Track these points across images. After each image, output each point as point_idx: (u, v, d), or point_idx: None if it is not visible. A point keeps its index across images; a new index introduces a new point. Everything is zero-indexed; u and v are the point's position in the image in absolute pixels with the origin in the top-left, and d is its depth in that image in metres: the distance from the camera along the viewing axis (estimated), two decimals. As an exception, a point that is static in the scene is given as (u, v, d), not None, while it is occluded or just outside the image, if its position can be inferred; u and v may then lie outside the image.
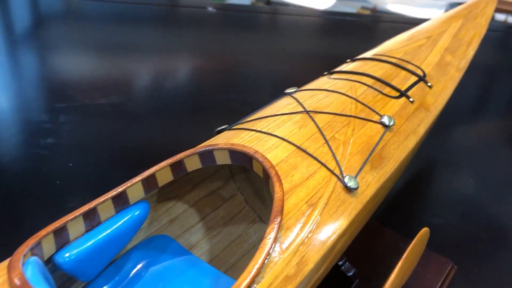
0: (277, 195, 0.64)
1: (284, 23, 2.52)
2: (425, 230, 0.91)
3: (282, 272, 0.59)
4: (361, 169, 0.74)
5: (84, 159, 1.29)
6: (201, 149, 0.73)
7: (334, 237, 0.66)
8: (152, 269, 0.73)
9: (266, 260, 0.58)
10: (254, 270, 0.56)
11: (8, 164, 1.28)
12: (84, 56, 1.98)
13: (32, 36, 2.17)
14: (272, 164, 0.68)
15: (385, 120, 0.83)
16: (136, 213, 0.70)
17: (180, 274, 0.72)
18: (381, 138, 0.80)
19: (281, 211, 0.63)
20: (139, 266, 0.73)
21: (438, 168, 1.41)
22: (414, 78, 0.98)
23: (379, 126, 0.83)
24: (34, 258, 0.56)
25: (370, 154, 0.77)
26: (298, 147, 0.73)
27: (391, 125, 0.83)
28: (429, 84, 0.98)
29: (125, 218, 0.68)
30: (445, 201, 1.27)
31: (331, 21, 2.57)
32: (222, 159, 0.73)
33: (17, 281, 0.50)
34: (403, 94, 0.92)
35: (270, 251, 0.59)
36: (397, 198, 1.25)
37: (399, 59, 1.04)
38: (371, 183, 0.74)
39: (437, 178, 1.36)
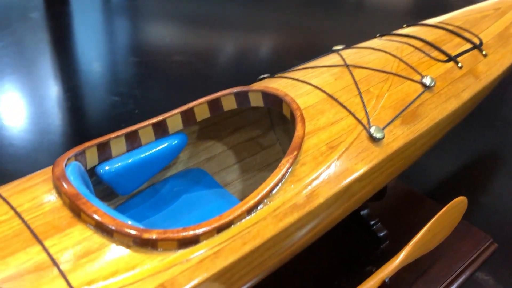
0: (298, 133, 0.68)
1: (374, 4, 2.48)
2: (461, 199, 0.90)
3: (291, 200, 0.63)
4: (390, 122, 0.75)
5: (148, 107, 1.40)
6: (237, 90, 0.78)
7: (350, 179, 0.68)
8: (186, 196, 0.80)
9: (277, 187, 0.63)
10: (263, 192, 0.61)
11: (85, 107, 1.42)
12: (170, 25, 2.10)
13: (127, 6, 2.33)
14: (298, 106, 0.72)
15: (426, 80, 0.83)
16: (173, 142, 0.77)
17: (210, 202, 0.79)
18: (418, 97, 0.80)
19: (299, 147, 0.66)
20: (174, 192, 0.81)
21: (497, 148, 1.36)
22: (468, 45, 0.95)
23: (419, 85, 0.83)
24: (76, 162, 0.65)
25: (403, 110, 0.78)
26: (329, 95, 0.76)
27: (431, 86, 0.82)
28: (484, 52, 0.95)
29: (163, 145, 0.76)
30: (499, 180, 1.22)
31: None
32: (256, 101, 0.78)
33: (57, 175, 0.59)
34: (451, 58, 0.90)
35: (282, 179, 0.63)
36: (445, 170, 1.22)
37: (457, 26, 1.02)
38: (399, 137, 0.75)
39: (495, 158, 1.31)
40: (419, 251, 0.87)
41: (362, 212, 0.97)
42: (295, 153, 0.65)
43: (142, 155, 0.74)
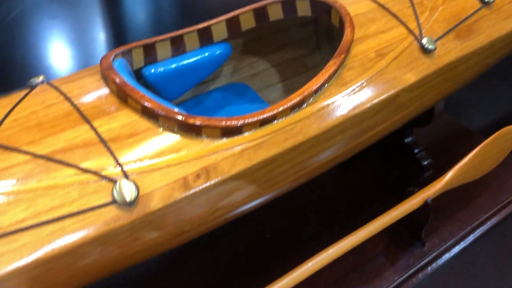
0: (346, 37, 0.66)
1: None
2: (509, 128, 0.86)
3: (336, 102, 0.62)
4: (444, 35, 0.72)
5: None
6: (285, -2, 0.76)
7: (398, 88, 0.66)
8: (229, 108, 0.80)
9: (322, 89, 0.62)
10: (308, 91, 0.60)
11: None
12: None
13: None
14: (348, 13, 0.69)
15: (485, -4, 0.78)
16: (218, 51, 0.76)
17: None
18: (475, 12, 0.76)
19: (347, 51, 0.64)
20: (217, 103, 0.81)
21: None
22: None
23: (476, 1, 0.78)
24: (123, 59, 0.66)
25: (458, 24, 0.74)
26: (380, 5, 0.73)
27: (490, 2, 0.78)
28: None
29: (208, 52, 0.75)
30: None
31: None
32: (303, 10, 0.76)
33: (105, 66, 0.60)
34: (515, -24, 0.84)
35: (329, 81, 0.62)
36: (497, 108, 1.17)
37: None
38: (452, 51, 0.72)
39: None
40: (464, 177, 0.85)
41: (406, 140, 0.95)
42: (342, 56, 0.64)
43: (187, 61, 0.74)
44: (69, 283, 0.50)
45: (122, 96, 0.56)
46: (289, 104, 0.58)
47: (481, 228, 0.87)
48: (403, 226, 0.83)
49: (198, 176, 0.52)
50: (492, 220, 0.88)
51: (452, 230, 0.85)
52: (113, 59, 0.63)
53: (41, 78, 0.62)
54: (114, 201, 0.49)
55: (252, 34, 0.83)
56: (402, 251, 0.81)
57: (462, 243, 0.84)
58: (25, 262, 0.44)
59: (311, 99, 0.61)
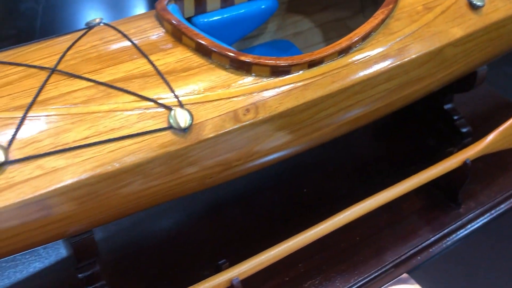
0: None
1: None
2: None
3: (382, 50, 0.63)
4: (492, -7, 0.72)
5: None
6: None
7: (445, 42, 0.67)
8: None
9: (370, 37, 0.63)
10: (356, 38, 0.61)
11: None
12: None
13: None
14: None
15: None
16: (264, 5, 0.78)
17: None
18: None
19: (395, 1, 0.65)
20: None
21: None
22: None
23: (528, -38, 0.77)
24: (176, 5, 0.68)
25: (508, -16, 0.74)
26: None
27: (542, -37, 0.77)
28: None
29: (255, 6, 0.77)
30: None
31: None
32: None
33: (159, 8, 0.62)
34: None
35: (376, 30, 0.63)
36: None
37: None
38: (501, 9, 0.72)
39: None
40: (504, 142, 0.84)
41: (446, 106, 0.95)
42: (390, 6, 0.65)
43: (235, 12, 0.76)
44: (123, 204, 0.53)
45: (177, 34, 0.59)
46: (337, 48, 0.60)
47: (519, 195, 0.87)
48: (440, 187, 0.84)
49: (247, 110, 0.55)
50: (531, 188, 0.88)
51: (490, 194, 0.86)
52: (166, 4, 0.65)
53: (98, 19, 0.65)
54: (170, 127, 0.51)
55: None
56: (438, 212, 0.82)
57: (498, 208, 0.84)
58: (88, 175, 0.48)
59: (358, 46, 0.62)
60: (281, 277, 0.72)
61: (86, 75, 0.54)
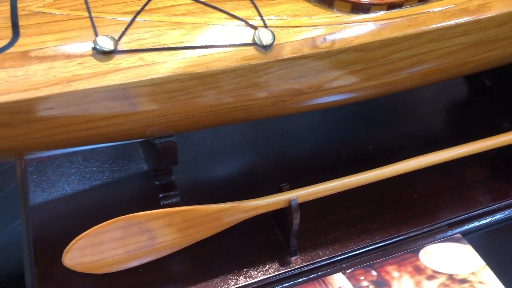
0: None
1: None
2: None
3: (463, 3, 0.65)
4: None
5: None
6: None
7: None
8: None
9: (451, -10, 0.65)
10: (437, -12, 0.64)
11: None
12: None
13: None
14: None
15: None
16: None
17: None
18: None
19: None
20: None
21: None
22: None
23: None
24: None
25: None
26: None
27: None
28: None
29: None
30: None
31: None
32: None
33: None
34: None
35: None
36: None
37: None
38: None
39: None
40: None
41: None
42: (475, -37, 0.67)
43: None
44: (205, 109, 0.60)
45: None
46: (418, -5, 0.63)
47: None
48: (506, 160, 0.84)
49: (324, 39, 0.60)
50: None
51: (559, 171, 0.84)
52: None
53: None
54: (254, 43, 0.58)
55: None
56: (501, 183, 0.82)
57: None
58: (180, 71, 0.55)
59: None
60: (336, 216, 0.77)
61: None
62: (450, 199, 0.80)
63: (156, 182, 0.74)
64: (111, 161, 0.83)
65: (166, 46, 0.56)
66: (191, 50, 0.56)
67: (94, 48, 0.54)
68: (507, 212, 0.79)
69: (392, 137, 0.91)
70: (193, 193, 0.79)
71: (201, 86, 0.57)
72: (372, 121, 0.93)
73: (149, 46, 0.55)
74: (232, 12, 0.59)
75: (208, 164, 0.83)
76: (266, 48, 0.58)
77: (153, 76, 0.54)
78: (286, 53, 0.59)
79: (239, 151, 0.86)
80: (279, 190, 0.68)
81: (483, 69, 0.78)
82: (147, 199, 0.76)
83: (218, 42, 0.57)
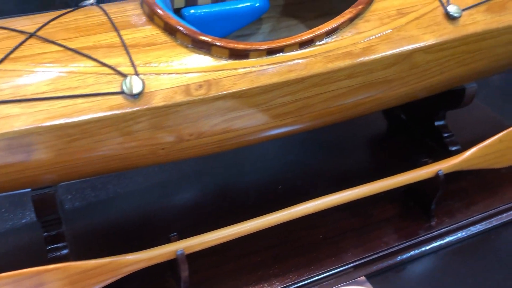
0: None
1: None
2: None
3: (346, 47, 0.65)
4: (473, 6, 0.73)
5: None
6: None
7: (413, 46, 0.68)
8: None
9: (335, 34, 0.65)
10: (318, 32, 0.64)
11: None
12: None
13: None
14: None
15: (528, -23, 0.77)
16: (255, 4, 0.82)
17: None
18: (513, -8, 0.76)
19: (367, 3, 0.67)
20: None
21: None
22: None
23: (518, -19, 0.78)
24: None
25: (492, -1, 0.74)
26: None
27: (533, -17, 0.77)
28: None
29: (247, 3, 0.81)
30: None
31: None
32: None
33: None
34: None
35: (342, 28, 0.65)
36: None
37: None
38: (479, 22, 0.72)
39: None
40: (485, 160, 0.83)
41: (437, 123, 0.95)
42: (360, 7, 0.67)
43: (226, 7, 0.80)
44: (72, 161, 0.57)
45: (150, 14, 0.63)
46: (298, 40, 0.63)
47: (498, 217, 0.85)
48: (414, 198, 0.84)
49: (200, 86, 0.58)
50: (511, 212, 0.86)
51: (466, 213, 0.84)
52: None
53: (91, 0, 0.71)
54: (122, 92, 0.56)
55: None
56: (408, 222, 0.82)
57: (472, 228, 0.82)
58: (37, 125, 0.52)
59: (323, 41, 0.64)
60: (236, 263, 0.74)
61: (59, 41, 0.59)
62: (356, 239, 0.79)
63: (44, 234, 0.70)
64: (3, 209, 0.79)
65: (24, 98, 0.53)
66: (52, 101, 0.54)
67: None
68: (412, 253, 0.78)
69: (302, 176, 0.90)
70: (87, 242, 0.75)
71: (65, 138, 0.55)
72: (283, 160, 0.92)
73: (5, 98, 0.53)
74: (102, 60, 0.57)
75: (107, 210, 0.80)
76: (134, 96, 0.56)
77: (7, 130, 0.51)
78: (158, 101, 0.57)
79: (142, 196, 0.83)
80: (168, 241, 0.65)
81: (382, 109, 0.78)
82: (36, 251, 0.72)
83: (84, 91, 0.55)
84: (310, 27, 0.93)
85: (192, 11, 0.78)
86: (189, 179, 0.86)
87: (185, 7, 0.78)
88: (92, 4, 0.69)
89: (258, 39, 0.91)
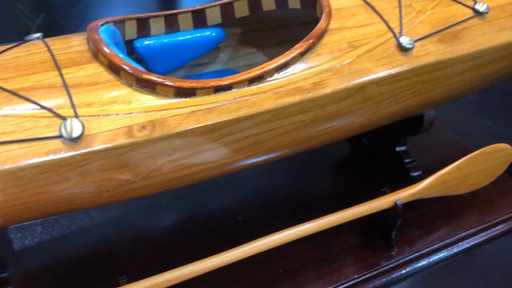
0: (320, 25, 0.68)
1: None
2: (503, 146, 0.85)
3: (296, 83, 0.64)
4: (426, 36, 0.73)
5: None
6: (277, -11, 0.80)
7: (365, 79, 0.67)
8: None
9: (284, 69, 0.64)
10: (268, 68, 0.63)
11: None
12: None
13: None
14: (329, 4, 0.72)
15: (479, 6, 0.78)
16: (210, 34, 0.81)
17: None
18: (464, 20, 0.76)
19: (317, 37, 0.67)
20: None
21: None
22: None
23: (469, 10, 0.78)
24: (113, 26, 0.71)
25: (444, 29, 0.74)
26: (366, 2, 0.75)
27: (483, 12, 0.78)
28: None
29: (201, 34, 0.80)
30: None
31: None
32: (294, 2, 0.79)
33: (90, 27, 0.65)
34: (519, -8, 0.84)
35: (292, 63, 0.64)
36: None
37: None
38: (432, 53, 0.72)
39: None
40: (444, 188, 0.83)
41: (398, 149, 0.95)
42: (311, 41, 0.66)
43: (180, 38, 0.79)
44: (14, 207, 0.55)
45: (95, 51, 0.61)
46: (246, 76, 0.61)
47: (459, 244, 0.84)
48: (374, 228, 0.83)
49: (143, 127, 0.56)
50: (473, 238, 0.85)
51: (427, 241, 0.83)
52: (102, 24, 0.69)
53: (38, 34, 0.68)
54: (60, 136, 0.53)
55: (251, 25, 0.87)
56: (368, 252, 0.81)
57: (433, 256, 0.82)
58: None
59: (273, 76, 0.63)
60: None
61: None
62: (316, 272, 0.77)
63: (-12, 278, 0.68)
64: None
65: (-47, 144, 0.51)
66: (-16, 148, 0.51)
67: None
68: (372, 284, 0.77)
69: (262, 206, 0.88)
70: (36, 285, 0.72)
71: (1, 185, 0.52)
72: (243, 190, 0.91)
73: None
74: (41, 102, 0.55)
75: (59, 248, 0.77)
76: (73, 140, 0.53)
77: None
78: (97, 144, 0.54)
79: (97, 231, 0.81)
80: (116, 285, 0.63)
81: (340, 139, 0.78)
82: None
83: (19, 136, 0.53)
84: (269, 54, 0.93)
85: (145, 42, 0.77)
86: (145, 213, 0.84)
87: (137, 38, 0.77)
88: (38, 38, 0.67)
89: (216, 67, 0.90)
